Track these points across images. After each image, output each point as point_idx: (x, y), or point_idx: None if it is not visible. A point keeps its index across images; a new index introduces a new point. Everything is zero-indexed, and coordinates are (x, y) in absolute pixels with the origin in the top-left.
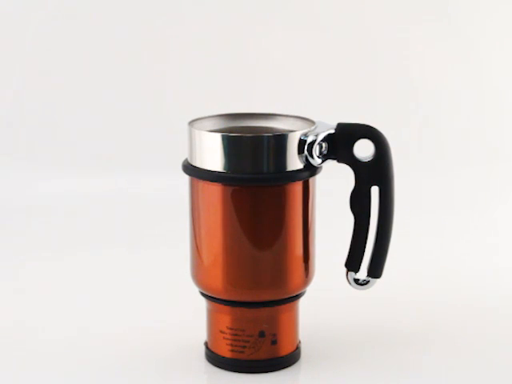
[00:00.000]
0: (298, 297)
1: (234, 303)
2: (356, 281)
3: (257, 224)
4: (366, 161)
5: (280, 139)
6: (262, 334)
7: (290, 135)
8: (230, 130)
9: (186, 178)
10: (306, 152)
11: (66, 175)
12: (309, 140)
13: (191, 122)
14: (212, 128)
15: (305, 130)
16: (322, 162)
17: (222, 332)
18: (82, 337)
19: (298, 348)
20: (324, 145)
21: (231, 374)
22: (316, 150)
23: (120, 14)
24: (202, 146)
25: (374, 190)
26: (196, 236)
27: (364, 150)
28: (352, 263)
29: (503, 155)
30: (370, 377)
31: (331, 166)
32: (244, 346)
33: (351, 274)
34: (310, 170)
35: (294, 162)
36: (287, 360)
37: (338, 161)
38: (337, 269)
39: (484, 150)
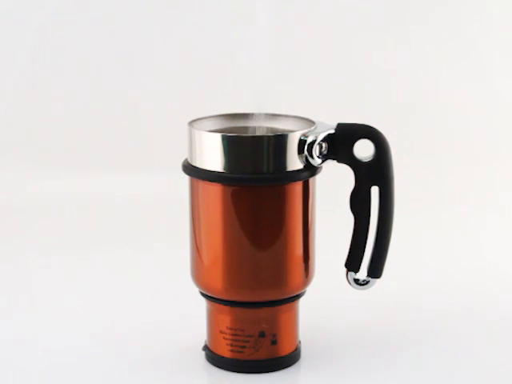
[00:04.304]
0: (297, 297)
1: (234, 303)
2: (356, 281)
3: (257, 224)
4: (366, 161)
5: (280, 139)
6: (261, 334)
7: (290, 135)
8: (230, 130)
9: (186, 178)
10: (305, 152)
11: (66, 175)
12: (309, 140)
13: (191, 122)
14: (212, 128)
15: (305, 130)
16: (322, 162)
17: (221, 332)
18: (82, 337)
19: (297, 348)
20: (324, 145)
21: (231, 374)
22: (316, 150)
23: (120, 14)
24: (202, 146)
25: (374, 190)
26: (196, 236)
27: (364, 150)
28: (352, 263)
29: (504, 155)
30: (370, 377)
31: (331, 166)
32: (244, 346)
33: (351, 274)
34: (310, 170)
35: (294, 162)
36: (287, 360)
37: (338, 161)
38: (337, 269)
39: (485, 150)
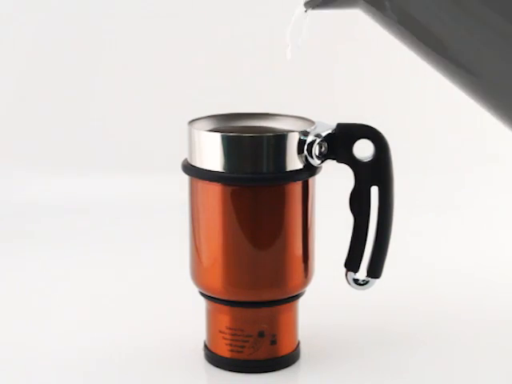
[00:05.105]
0: (297, 297)
1: (234, 303)
2: (355, 281)
3: (256, 224)
4: (366, 161)
5: (280, 139)
6: (261, 334)
7: (290, 135)
8: (230, 129)
9: (186, 178)
10: (305, 152)
11: (66, 175)
12: (308, 140)
13: (191, 122)
14: (212, 128)
15: (304, 130)
16: (322, 162)
17: (221, 332)
18: (82, 337)
19: (297, 348)
20: (324, 145)
21: (230, 374)
22: (316, 150)
23: (119, 13)
24: (202, 146)
25: (374, 190)
26: (195, 236)
27: (364, 150)
28: (351, 263)
29: (503, 155)
30: (370, 377)
31: (331, 165)
32: (243, 346)
33: (351, 274)
34: (310, 170)
35: (294, 162)
36: (286, 360)
37: (338, 161)
38: (336, 269)
39: (484, 151)
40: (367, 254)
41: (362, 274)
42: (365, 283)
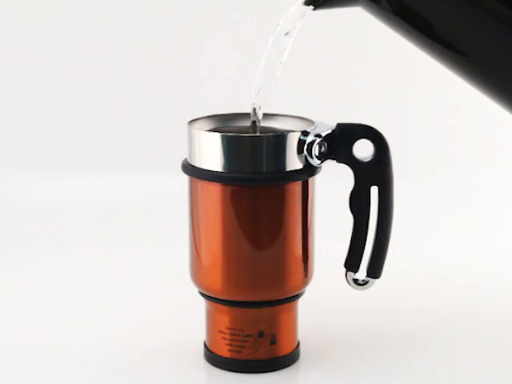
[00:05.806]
0: (297, 297)
1: (233, 303)
2: (355, 281)
3: (256, 224)
4: (366, 161)
5: (279, 139)
6: (261, 334)
7: (290, 135)
8: (230, 129)
9: (186, 178)
10: (305, 152)
11: (66, 175)
12: (308, 140)
13: (190, 122)
14: (211, 128)
15: (304, 130)
16: (322, 162)
17: (220, 332)
18: (81, 336)
19: (297, 348)
20: (323, 145)
21: (230, 374)
22: (315, 150)
23: (119, 13)
24: (202, 146)
25: (374, 190)
26: (195, 236)
27: (364, 150)
28: (351, 263)
29: (504, 155)
30: (370, 377)
31: (331, 166)
32: (243, 346)
33: (350, 274)
34: (310, 170)
35: (294, 162)
36: (286, 360)
37: (338, 161)
38: (336, 269)
39: (485, 151)
40: (367, 254)
41: (361, 273)
42: (365, 283)
